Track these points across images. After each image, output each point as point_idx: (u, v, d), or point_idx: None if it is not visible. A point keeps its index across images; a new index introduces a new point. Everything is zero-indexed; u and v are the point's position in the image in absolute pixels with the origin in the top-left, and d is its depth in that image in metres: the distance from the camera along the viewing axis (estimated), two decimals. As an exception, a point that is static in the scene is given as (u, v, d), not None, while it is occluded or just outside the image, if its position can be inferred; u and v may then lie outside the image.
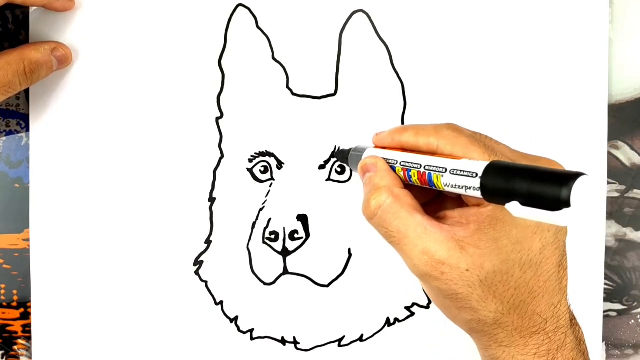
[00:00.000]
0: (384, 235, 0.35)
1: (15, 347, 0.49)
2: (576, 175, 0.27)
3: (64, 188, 0.47)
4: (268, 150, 0.47)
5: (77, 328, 0.47)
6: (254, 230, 0.47)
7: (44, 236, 0.47)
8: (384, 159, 0.37)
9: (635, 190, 0.50)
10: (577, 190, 0.26)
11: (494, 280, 0.33)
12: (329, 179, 0.47)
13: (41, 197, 0.47)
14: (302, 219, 0.46)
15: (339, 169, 0.47)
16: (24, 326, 0.49)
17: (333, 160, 0.47)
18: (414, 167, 0.35)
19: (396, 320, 0.48)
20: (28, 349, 0.49)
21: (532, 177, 0.28)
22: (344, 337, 0.48)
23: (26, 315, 0.48)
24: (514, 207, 0.28)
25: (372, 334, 0.48)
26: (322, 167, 0.47)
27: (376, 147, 0.40)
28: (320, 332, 0.48)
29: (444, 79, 0.47)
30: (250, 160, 0.47)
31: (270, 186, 0.47)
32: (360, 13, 0.46)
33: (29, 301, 0.48)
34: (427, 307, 0.48)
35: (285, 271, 0.46)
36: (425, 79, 0.47)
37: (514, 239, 0.33)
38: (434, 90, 0.47)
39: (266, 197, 0.47)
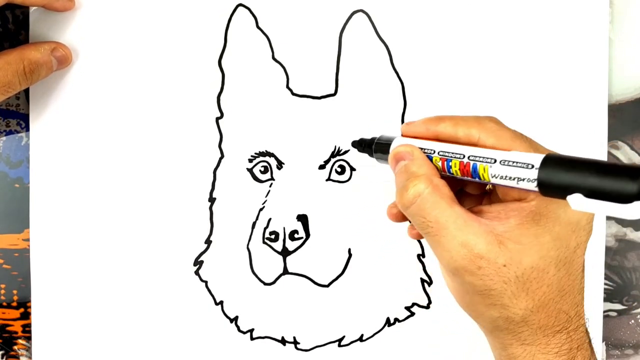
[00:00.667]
0: (420, 225, 0.34)
1: (15, 347, 0.49)
2: None
3: (64, 188, 0.47)
4: (268, 150, 0.47)
5: (77, 328, 0.47)
6: (254, 230, 0.47)
7: (44, 236, 0.47)
8: (420, 148, 0.37)
9: (635, 190, 0.50)
10: None
11: (530, 277, 0.32)
12: (329, 179, 0.47)
13: (41, 197, 0.47)
14: (302, 219, 0.46)
15: (339, 169, 0.47)
16: (24, 326, 0.49)
17: (333, 160, 0.47)
18: (455, 157, 0.34)
19: (396, 320, 0.48)
20: (28, 349, 0.49)
21: (598, 169, 0.28)
22: (344, 337, 0.48)
23: (26, 315, 0.48)
24: (576, 200, 0.28)
25: (372, 334, 0.48)
26: (322, 167, 0.47)
27: (405, 136, 0.39)
28: (320, 332, 0.48)
29: (444, 79, 0.47)
30: (250, 160, 0.47)
31: (270, 186, 0.47)
32: (360, 13, 0.46)
33: (29, 301, 0.48)
34: (427, 307, 0.48)
35: (285, 271, 0.46)
36: (425, 79, 0.47)
37: (555, 235, 0.33)
38: (434, 90, 0.47)
39: (266, 197, 0.47)
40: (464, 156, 0.34)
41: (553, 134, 0.47)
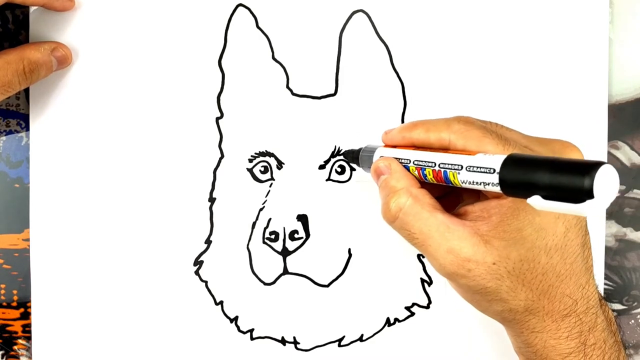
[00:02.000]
0: (407, 238, 0.35)
1: (15, 347, 0.49)
2: (597, 165, 0.26)
3: (64, 188, 0.47)
4: (268, 150, 0.47)
5: (77, 328, 0.47)
6: (254, 230, 0.47)
7: (44, 236, 0.47)
8: (397, 158, 0.37)
9: (635, 190, 0.50)
10: (600, 180, 0.26)
11: (522, 269, 0.33)
12: (329, 179, 0.47)
13: (41, 197, 0.47)
14: (302, 219, 0.46)
15: (339, 169, 0.47)
16: (24, 326, 0.49)
17: (333, 160, 0.47)
18: (428, 166, 0.35)
19: (396, 320, 0.48)
20: (28, 349, 0.49)
21: (552, 168, 0.28)
22: (344, 337, 0.48)
23: (26, 315, 0.48)
24: (536, 201, 0.28)
25: (372, 334, 0.48)
26: (322, 167, 0.47)
27: (386, 145, 0.39)
28: (320, 332, 0.48)
29: (444, 79, 0.47)
30: (250, 160, 0.47)
31: (270, 186, 0.47)
32: (360, 13, 0.46)
33: (29, 301, 0.48)
34: (427, 307, 0.48)
35: (285, 271, 0.46)
36: (425, 79, 0.47)
37: (537, 226, 0.33)
38: (434, 90, 0.47)
39: (266, 197, 0.47)
40: (435, 164, 0.34)
41: (553, 134, 0.47)
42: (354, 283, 0.47)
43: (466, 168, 0.32)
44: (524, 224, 0.33)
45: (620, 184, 0.50)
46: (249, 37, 0.46)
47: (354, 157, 0.43)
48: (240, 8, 0.46)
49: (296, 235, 0.46)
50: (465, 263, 0.33)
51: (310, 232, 0.46)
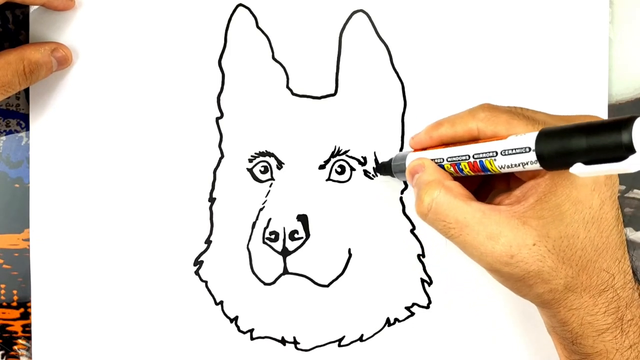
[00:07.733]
0: (442, 229, 0.34)
1: (15, 347, 0.49)
2: (631, 118, 0.26)
3: (64, 188, 0.47)
4: (268, 150, 0.47)
5: (77, 328, 0.47)
6: (254, 230, 0.47)
7: (44, 236, 0.47)
8: (430, 159, 0.37)
9: (635, 190, 0.50)
10: (638, 132, 0.25)
11: (561, 246, 0.32)
12: (329, 179, 0.47)
13: (41, 197, 0.47)
14: (302, 219, 0.46)
15: (339, 169, 0.47)
16: (24, 326, 0.49)
17: (333, 160, 0.47)
18: (462, 160, 0.35)
19: (396, 320, 0.48)
20: (28, 349, 0.49)
21: (587, 132, 0.27)
22: (344, 337, 0.48)
23: (26, 315, 0.48)
24: (579, 169, 0.27)
25: (372, 334, 0.48)
26: (322, 167, 0.47)
27: (415, 150, 0.39)
28: (320, 332, 0.48)
29: (444, 79, 0.47)
30: (250, 160, 0.47)
31: (270, 186, 0.47)
32: (360, 13, 0.46)
33: (29, 301, 0.48)
34: (427, 307, 0.48)
35: (285, 271, 0.46)
36: (425, 79, 0.47)
37: (574, 200, 0.32)
38: (434, 90, 0.47)
39: (266, 197, 0.47)
40: (469, 156, 0.34)
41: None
42: (354, 283, 0.47)
43: (501, 153, 0.32)
44: (562, 199, 0.32)
45: (620, 184, 0.50)
46: (249, 37, 0.46)
47: (386, 169, 0.43)
48: (240, 8, 0.46)
49: (296, 235, 0.46)
50: (507, 248, 0.32)
51: (310, 232, 0.46)
